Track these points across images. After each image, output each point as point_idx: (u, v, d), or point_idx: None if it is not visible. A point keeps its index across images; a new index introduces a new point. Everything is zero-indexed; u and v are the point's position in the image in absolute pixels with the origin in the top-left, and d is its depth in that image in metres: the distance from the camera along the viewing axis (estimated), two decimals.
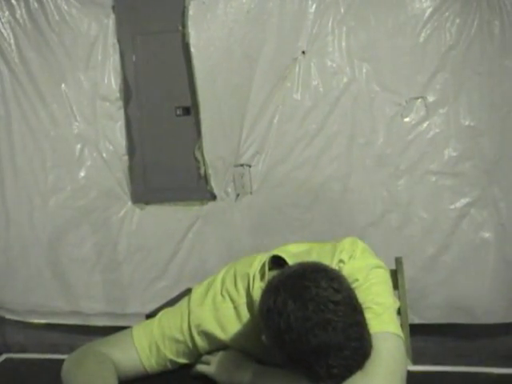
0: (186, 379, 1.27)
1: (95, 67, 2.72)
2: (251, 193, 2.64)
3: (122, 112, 2.73)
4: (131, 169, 2.76)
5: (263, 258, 1.23)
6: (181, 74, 2.63)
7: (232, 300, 1.24)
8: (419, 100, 2.43)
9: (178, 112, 2.67)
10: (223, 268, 1.33)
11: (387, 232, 2.50)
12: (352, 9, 2.44)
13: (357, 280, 1.11)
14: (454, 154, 2.42)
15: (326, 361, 0.95)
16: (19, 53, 2.76)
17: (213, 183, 2.67)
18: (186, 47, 2.58)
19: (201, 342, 1.25)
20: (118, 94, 2.72)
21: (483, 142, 2.39)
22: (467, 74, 2.37)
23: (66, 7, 2.69)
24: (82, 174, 2.80)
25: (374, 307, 1.07)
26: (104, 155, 2.77)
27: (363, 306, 1.03)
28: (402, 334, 1.09)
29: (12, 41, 2.76)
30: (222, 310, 1.24)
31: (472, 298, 2.45)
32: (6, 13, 2.75)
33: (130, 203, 2.79)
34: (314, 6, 2.46)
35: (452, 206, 2.44)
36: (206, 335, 1.24)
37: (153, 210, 2.77)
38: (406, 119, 2.45)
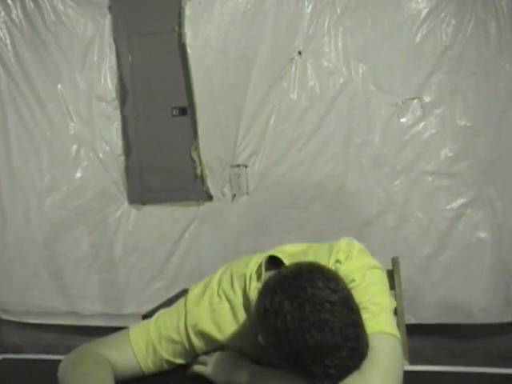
0: (182, 380, 1.27)
1: (91, 67, 2.71)
2: (248, 193, 2.64)
3: (118, 112, 2.73)
4: (127, 169, 2.76)
5: (260, 258, 1.23)
6: (177, 75, 2.63)
7: (229, 300, 1.24)
8: (415, 100, 2.44)
9: (175, 112, 2.67)
10: (220, 268, 1.33)
11: (384, 232, 2.50)
12: (348, 9, 2.44)
13: (353, 280, 1.11)
14: (450, 154, 2.43)
15: (322, 361, 0.95)
16: (15, 53, 2.75)
17: (209, 183, 2.67)
18: (182, 48, 2.58)
19: (197, 343, 1.25)
20: (114, 95, 2.71)
21: (479, 142, 2.40)
22: (463, 75, 2.38)
23: (62, 7, 2.68)
24: (79, 174, 2.79)
25: (371, 307, 1.07)
26: (100, 155, 2.76)
27: (360, 306, 1.03)
28: (398, 335, 1.09)
29: (8, 41, 2.75)
30: (219, 311, 1.24)
31: (468, 298, 2.45)
32: (2, 13, 2.74)
33: (126, 203, 2.78)
34: (310, 7, 2.47)
35: (448, 206, 2.45)
36: (203, 335, 1.24)
37: (149, 210, 2.77)
38: (402, 119, 2.45)
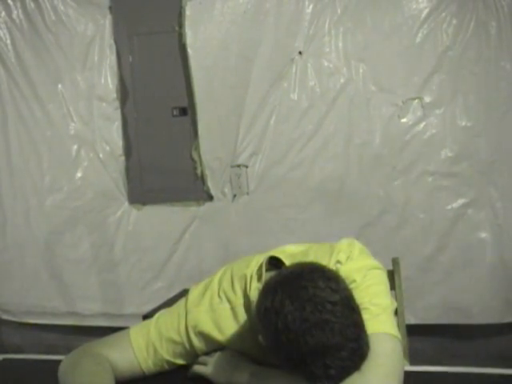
0: (182, 380, 1.27)
1: (92, 67, 2.71)
2: (248, 193, 2.64)
3: (118, 112, 2.73)
4: (128, 169, 2.76)
5: (260, 258, 1.23)
6: (177, 75, 2.63)
7: (229, 301, 1.23)
8: (416, 100, 2.44)
9: (175, 112, 2.67)
10: (220, 269, 1.33)
11: (384, 232, 2.50)
12: (349, 9, 2.45)
13: (354, 281, 1.11)
14: (451, 154, 2.43)
15: (323, 361, 0.95)
16: (16, 53, 2.75)
17: (210, 184, 2.67)
18: (182, 48, 2.58)
19: (198, 343, 1.25)
20: (114, 95, 2.72)
21: (480, 142, 2.40)
22: (464, 75, 2.38)
23: (62, 7, 2.68)
24: (79, 174, 2.79)
25: (372, 308, 1.07)
26: (101, 156, 2.76)
27: (360, 306, 1.03)
28: (398, 335, 1.09)
29: (8, 41, 2.75)
30: (219, 311, 1.23)
31: (468, 299, 2.45)
32: (3, 13, 2.74)
33: (126, 204, 2.78)
34: (310, 7, 2.47)
35: (448, 207, 2.45)
36: (203, 336, 1.24)
37: (149, 210, 2.77)
38: (403, 120, 2.45)
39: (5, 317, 3.01)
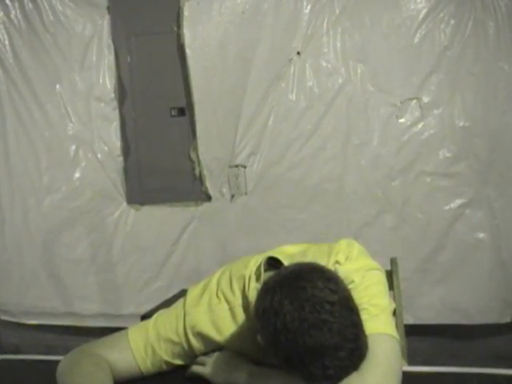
0: (181, 380, 1.27)
1: (90, 68, 2.71)
2: (246, 193, 2.64)
3: (116, 113, 2.73)
4: (126, 169, 2.76)
5: (259, 259, 1.23)
6: (176, 75, 2.63)
7: (227, 301, 1.23)
8: (414, 101, 2.44)
9: (173, 113, 2.67)
10: (219, 269, 1.33)
11: (382, 232, 2.50)
12: (347, 10, 2.44)
13: (353, 281, 1.11)
14: (449, 154, 2.43)
15: (321, 361, 0.95)
16: (14, 53, 2.75)
17: (208, 184, 2.67)
18: (180, 48, 2.58)
19: (196, 344, 1.24)
20: (112, 95, 2.71)
21: (478, 142, 2.40)
22: (462, 75, 2.38)
23: (60, 8, 2.68)
24: (77, 174, 2.79)
25: (370, 308, 1.07)
26: (99, 156, 2.76)
27: (359, 307, 1.03)
28: (397, 336, 1.09)
29: (6, 41, 2.75)
30: (218, 312, 1.23)
31: (467, 299, 2.46)
32: (1, 13, 2.74)
33: (124, 204, 2.78)
34: (308, 7, 2.47)
35: (447, 207, 2.45)
36: (202, 337, 1.24)
37: (148, 210, 2.77)
38: (401, 120, 2.46)
39: (3, 317, 3.00)
